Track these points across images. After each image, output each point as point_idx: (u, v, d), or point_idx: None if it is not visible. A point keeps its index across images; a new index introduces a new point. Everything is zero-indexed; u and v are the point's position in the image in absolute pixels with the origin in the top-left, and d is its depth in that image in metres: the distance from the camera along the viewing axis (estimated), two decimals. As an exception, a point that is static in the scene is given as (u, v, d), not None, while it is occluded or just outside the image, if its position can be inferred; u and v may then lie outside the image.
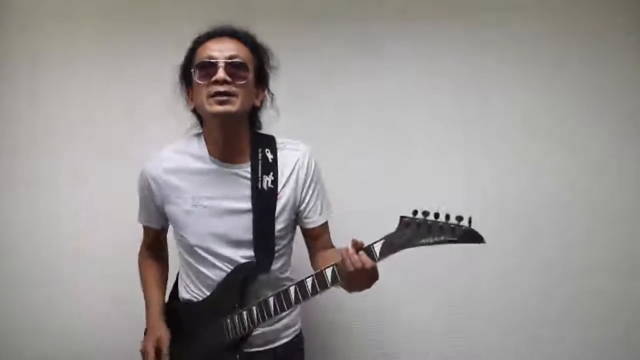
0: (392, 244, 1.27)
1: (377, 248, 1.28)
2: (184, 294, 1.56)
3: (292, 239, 1.56)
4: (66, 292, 1.96)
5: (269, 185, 1.45)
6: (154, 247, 1.65)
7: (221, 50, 1.40)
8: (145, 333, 1.53)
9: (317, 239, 1.55)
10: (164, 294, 1.61)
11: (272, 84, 1.52)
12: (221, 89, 1.37)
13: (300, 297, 1.36)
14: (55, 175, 2.00)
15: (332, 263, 1.33)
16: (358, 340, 1.99)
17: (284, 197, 1.47)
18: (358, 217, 1.81)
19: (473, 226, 1.22)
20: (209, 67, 1.39)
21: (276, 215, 1.46)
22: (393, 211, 1.28)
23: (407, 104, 1.97)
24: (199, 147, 1.48)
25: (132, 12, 2.00)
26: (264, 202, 1.45)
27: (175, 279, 1.64)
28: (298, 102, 1.91)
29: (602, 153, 1.94)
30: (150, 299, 1.57)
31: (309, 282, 1.35)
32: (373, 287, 1.33)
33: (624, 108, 1.93)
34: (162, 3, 2.00)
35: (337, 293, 1.76)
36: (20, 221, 2.01)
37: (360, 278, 1.30)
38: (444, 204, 1.76)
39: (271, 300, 1.40)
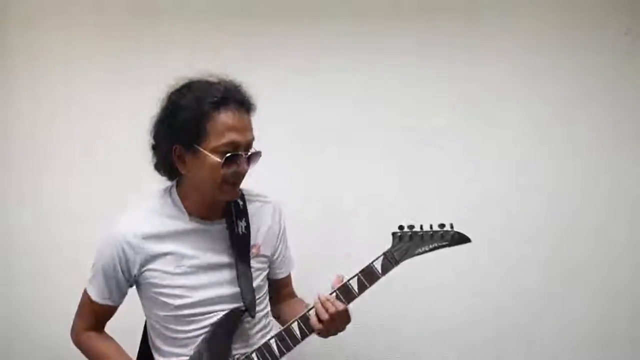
0: (391, 259, 1.34)
1: (378, 265, 1.35)
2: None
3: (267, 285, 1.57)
4: (68, 290, 1.88)
5: (243, 230, 1.46)
6: (96, 328, 1.48)
7: (242, 133, 1.33)
8: None
9: (286, 287, 1.62)
10: None
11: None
12: (239, 181, 1.36)
13: (300, 337, 1.37)
14: (55, 175, 2.04)
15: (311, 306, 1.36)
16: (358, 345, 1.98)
17: (261, 247, 1.49)
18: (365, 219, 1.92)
19: (456, 229, 1.35)
20: (236, 157, 1.32)
21: (252, 259, 1.46)
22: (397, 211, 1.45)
23: (407, 102, 1.95)
24: (174, 206, 1.42)
25: (134, 11, 1.99)
26: (241, 246, 1.45)
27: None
28: (304, 100, 1.96)
29: (602, 152, 1.90)
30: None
31: (295, 327, 1.37)
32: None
33: (625, 106, 1.90)
34: (163, 2, 1.99)
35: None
36: (22, 221, 2.05)
37: (334, 323, 1.34)
38: (446, 202, 1.92)
39: (273, 342, 1.38)
